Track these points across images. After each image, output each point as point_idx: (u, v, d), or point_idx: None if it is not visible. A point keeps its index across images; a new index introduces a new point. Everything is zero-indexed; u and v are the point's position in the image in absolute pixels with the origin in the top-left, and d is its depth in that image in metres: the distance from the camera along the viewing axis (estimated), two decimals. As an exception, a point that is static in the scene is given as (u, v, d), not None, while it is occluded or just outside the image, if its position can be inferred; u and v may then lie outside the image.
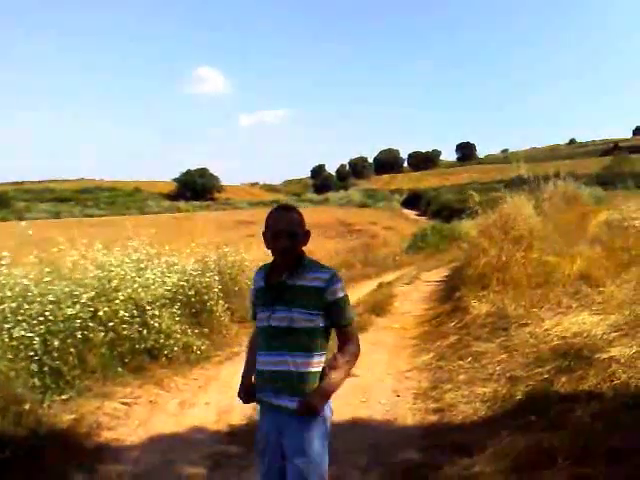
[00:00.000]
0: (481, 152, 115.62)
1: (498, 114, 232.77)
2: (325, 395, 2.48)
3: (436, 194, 58.10)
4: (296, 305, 2.47)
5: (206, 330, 7.21)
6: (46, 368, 5.04)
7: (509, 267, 8.09)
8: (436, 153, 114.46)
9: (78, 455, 4.22)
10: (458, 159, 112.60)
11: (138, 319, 6.21)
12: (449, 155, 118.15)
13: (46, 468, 3.93)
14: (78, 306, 5.59)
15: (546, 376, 4.78)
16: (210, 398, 5.59)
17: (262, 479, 2.61)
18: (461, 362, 5.96)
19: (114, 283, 6.25)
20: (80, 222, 30.49)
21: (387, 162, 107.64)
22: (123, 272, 6.45)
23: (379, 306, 10.01)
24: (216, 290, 7.71)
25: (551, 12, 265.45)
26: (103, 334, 5.77)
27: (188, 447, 4.49)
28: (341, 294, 2.51)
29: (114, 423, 4.87)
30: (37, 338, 5.07)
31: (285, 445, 2.50)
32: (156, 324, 6.31)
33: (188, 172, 77.87)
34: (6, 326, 5.05)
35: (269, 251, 2.61)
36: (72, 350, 5.33)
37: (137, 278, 6.54)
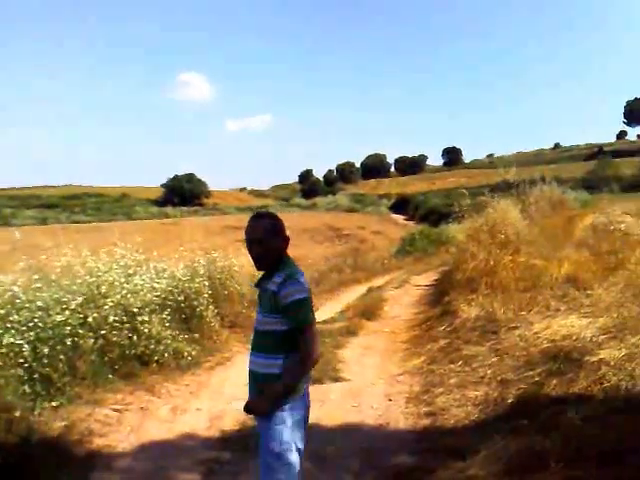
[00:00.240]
0: (467, 157, 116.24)
1: (484, 119, 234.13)
2: (266, 399, 2.55)
3: (424, 199, 58.29)
4: (263, 309, 2.62)
5: (196, 335, 7.18)
6: (36, 375, 5.00)
7: (497, 271, 8.14)
8: (422, 158, 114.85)
9: (69, 462, 4.19)
10: (444, 164, 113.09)
11: (128, 325, 6.17)
12: (435, 160, 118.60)
13: (37, 476, 3.90)
14: (67, 312, 5.54)
15: (537, 379, 4.80)
16: (202, 404, 5.57)
17: None
18: (452, 366, 5.98)
19: (103, 289, 6.21)
20: (67, 228, 30.26)
21: (374, 167, 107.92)
22: (112, 278, 6.42)
23: (369, 310, 10.03)
24: (206, 295, 7.68)
25: (536, 19, 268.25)
26: (93, 340, 5.73)
27: (180, 453, 4.47)
28: (295, 297, 2.52)
29: (105, 430, 4.84)
30: (26, 345, 5.03)
31: None
32: (146, 330, 6.28)
33: (175, 178, 77.60)
34: (-5, 334, 5.01)
35: None
36: (62, 357, 5.28)
37: (126, 284, 6.50)
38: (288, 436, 2.55)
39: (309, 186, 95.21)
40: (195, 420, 5.15)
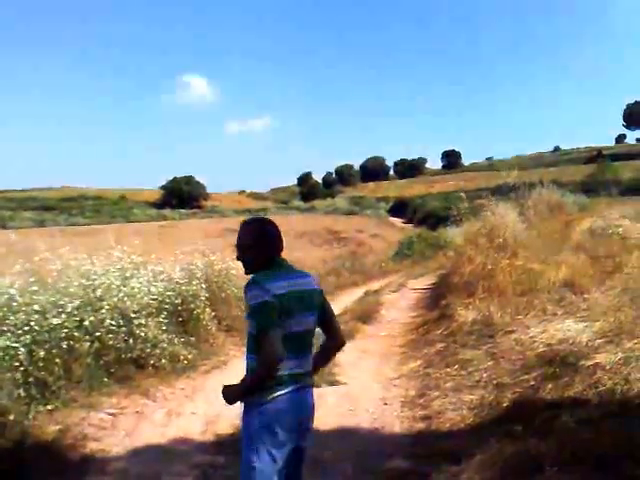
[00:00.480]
0: (466, 160, 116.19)
1: (483, 122, 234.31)
2: (230, 391, 2.64)
3: (422, 202, 58.23)
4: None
5: (193, 339, 7.18)
6: (31, 379, 4.99)
7: (494, 275, 8.15)
8: (422, 161, 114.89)
9: (63, 467, 4.18)
10: (443, 167, 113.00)
11: (124, 328, 6.15)
12: (434, 163, 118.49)
13: (31, 480, 3.90)
14: (64, 316, 5.53)
15: (532, 383, 4.81)
16: (197, 408, 5.56)
17: None
18: (448, 369, 5.98)
19: (99, 292, 6.20)
20: (64, 231, 30.28)
21: (373, 170, 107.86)
22: (108, 281, 6.41)
23: (366, 314, 10.03)
24: (203, 298, 7.68)
25: (536, 22, 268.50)
26: (89, 344, 5.72)
27: (174, 457, 4.46)
28: (251, 302, 2.55)
29: (100, 434, 4.83)
30: (22, 348, 5.01)
31: None
32: (142, 333, 6.27)
33: (174, 180, 77.51)
34: (-9, 336, 5.00)
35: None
36: (58, 360, 5.27)
37: (122, 287, 6.49)
38: (255, 438, 2.55)
39: (308, 189, 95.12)
40: (190, 424, 5.14)
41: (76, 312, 5.75)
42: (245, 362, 2.67)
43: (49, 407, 4.92)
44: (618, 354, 4.66)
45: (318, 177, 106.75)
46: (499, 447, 3.80)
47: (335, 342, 2.84)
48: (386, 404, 5.51)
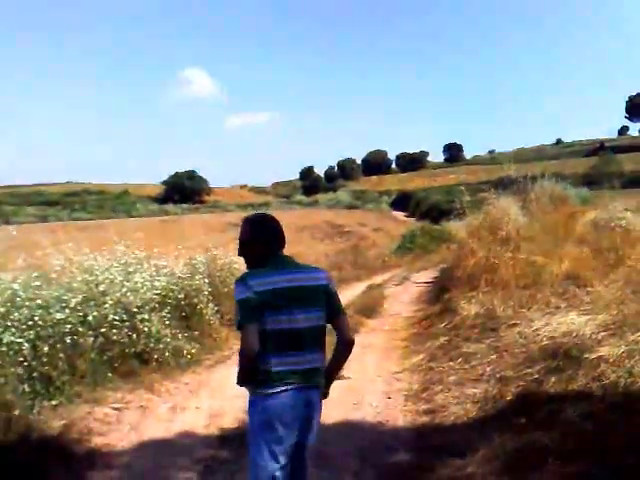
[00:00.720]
0: (468, 153, 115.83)
1: (485, 115, 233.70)
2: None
3: (424, 195, 58.20)
4: None
5: (196, 333, 7.20)
6: (35, 374, 5.01)
7: (497, 268, 8.14)
8: (424, 154, 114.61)
9: (69, 461, 4.19)
10: (445, 160, 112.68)
11: (128, 323, 6.17)
12: (436, 156, 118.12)
13: (36, 475, 3.91)
14: (67, 311, 5.56)
15: (536, 376, 4.80)
16: (201, 402, 5.57)
17: None
18: (451, 363, 5.99)
19: (102, 287, 6.22)
20: (67, 226, 30.32)
21: (375, 163, 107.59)
22: (111, 276, 6.43)
23: (369, 308, 10.05)
24: (206, 293, 7.70)
25: (537, 15, 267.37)
26: (93, 339, 5.74)
27: (179, 452, 4.47)
28: (236, 298, 2.63)
29: (105, 428, 4.85)
30: (26, 344, 5.04)
31: None
32: (146, 328, 6.29)
33: (176, 175, 77.47)
34: (-5, 332, 5.01)
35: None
36: (61, 355, 5.30)
37: (126, 282, 6.51)
38: (256, 434, 2.59)
39: (310, 183, 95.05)
40: (194, 418, 5.15)
41: (80, 307, 5.78)
42: None
43: (53, 402, 4.94)
44: (621, 347, 4.65)
45: (320, 171, 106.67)
46: (502, 440, 3.82)
47: (339, 342, 2.80)
48: (390, 398, 5.52)
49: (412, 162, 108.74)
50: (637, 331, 4.88)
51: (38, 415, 4.66)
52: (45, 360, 5.14)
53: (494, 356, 5.70)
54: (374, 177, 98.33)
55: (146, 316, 6.38)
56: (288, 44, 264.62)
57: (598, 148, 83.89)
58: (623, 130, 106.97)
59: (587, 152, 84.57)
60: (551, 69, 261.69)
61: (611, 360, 4.50)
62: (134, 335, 6.18)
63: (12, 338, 5.00)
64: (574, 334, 5.32)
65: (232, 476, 3.99)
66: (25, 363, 4.98)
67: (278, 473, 2.60)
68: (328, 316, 2.73)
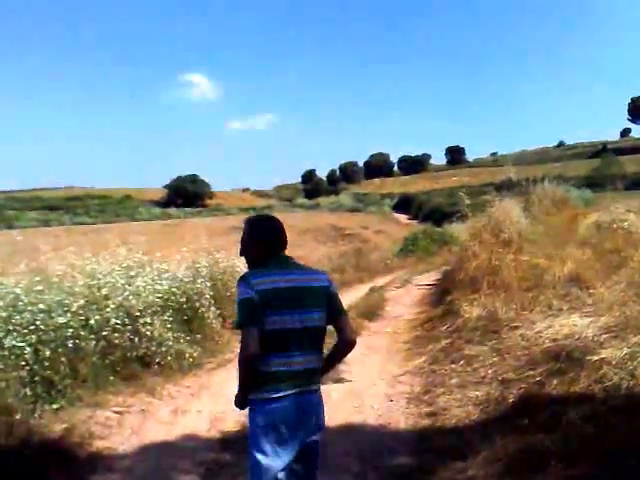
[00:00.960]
0: (470, 155, 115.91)
1: (487, 117, 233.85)
2: (235, 399, 2.75)
3: (427, 198, 58.26)
4: None
5: (198, 337, 7.19)
6: (37, 378, 5.01)
7: (500, 270, 8.12)
8: (426, 157, 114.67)
9: (70, 465, 4.20)
10: (448, 163, 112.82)
11: (129, 327, 6.17)
12: (439, 159, 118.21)
13: (38, 479, 3.91)
14: (69, 315, 5.55)
15: (538, 378, 4.79)
16: (203, 405, 5.57)
17: None
18: (453, 365, 5.98)
19: (104, 291, 6.22)
20: (69, 230, 30.35)
21: (377, 166, 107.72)
22: (113, 280, 6.43)
23: (371, 310, 10.04)
24: (208, 296, 7.69)
25: (539, 17, 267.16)
26: (94, 343, 5.74)
27: (180, 455, 4.47)
28: (237, 298, 2.63)
29: (106, 432, 4.85)
30: (28, 348, 5.03)
31: None
32: (148, 332, 6.29)
33: (179, 178, 77.62)
34: (-3, 336, 5.02)
35: None
36: (63, 359, 5.29)
37: (127, 286, 6.51)
38: (260, 436, 2.56)
39: (312, 186, 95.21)
40: (196, 422, 5.15)
41: (81, 311, 5.78)
42: None
43: (55, 406, 4.94)
44: (624, 349, 4.63)
45: (322, 174, 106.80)
46: (504, 443, 3.81)
47: (339, 341, 2.80)
48: (391, 401, 5.51)
49: (414, 165, 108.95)
50: (639, 333, 4.86)
51: (39, 419, 4.66)
52: (47, 364, 5.13)
53: (496, 358, 5.69)
54: (376, 180, 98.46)
55: (148, 320, 6.37)
56: (289, 47, 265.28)
57: (600, 150, 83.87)
58: (626, 132, 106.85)
59: (589, 154, 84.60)
60: (553, 71, 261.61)
61: (613, 362, 4.48)
62: (136, 339, 6.18)
63: (14, 342, 5.00)
64: (576, 336, 5.31)
65: (234, 479, 3.98)
66: (27, 367, 4.97)
67: (281, 475, 2.59)
68: (329, 317, 2.72)
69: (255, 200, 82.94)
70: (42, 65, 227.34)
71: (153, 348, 6.29)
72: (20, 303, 5.40)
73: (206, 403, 5.64)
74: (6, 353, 4.93)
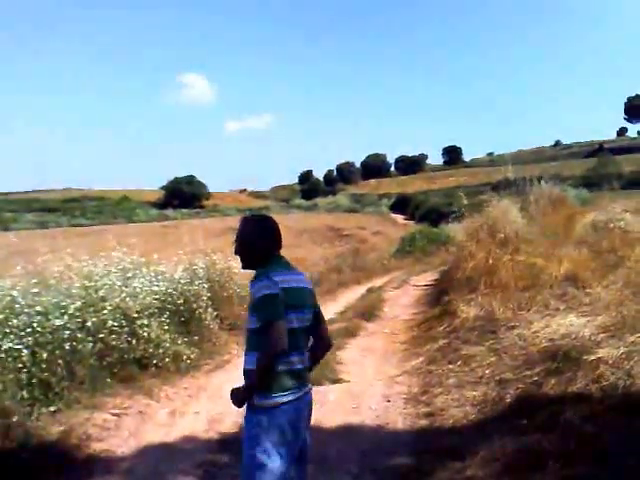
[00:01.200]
0: (467, 155, 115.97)
1: (483, 117, 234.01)
2: (237, 393, 2.65)
3: (423, 198, 58.17)
4: (249, 308, 2.71)
5: (195, 338, 7.17)
6: (34, 380, 4.99)
7: (496, 270, 8.12)
8: (423, 157, 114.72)
9: (68, 468, 4.19)
10: (444, 163, 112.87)
11: (127, 329, 6.16)
12: (435, 159, 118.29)
13: (35, 481, 3.91)
14: (66, 317, 5.54)
15: (535, 378, 4.80)
16: (200, 407, 5.57)
17: None
18: (451, 366, 5.98)
19: (101, 293, 6.21)
20: (67, 232, 30.32)
21: (374, 166, 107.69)
22: (110, 282, 6.42)
23: (369, 311, 10.05)
24: (205, 298, 7.68)
25: (535, 16, 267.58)
26: (91, 345, 5.73)
27: (179, 457, 4.46)
28: (258, 294, 2.58)
29: (104, 434, 4.84)
30: (25, 350, 5.03)
31: None
32: (145, 333, 6.28)
33: (175, 180, 77.56)
34: (-6, 339, 5.01)
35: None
36: (60, 361, 5.28)
37: (125, 288, 6.51)
38: (264, 438, 2.54)
39: (309, 187, 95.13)
40: (193, 423, 5.15)
41: (78, 313, 5.77)
42: (245, 361, 2.68)
43: (52, 408, 4.92)
44: (621, 348, 4.64)
45: (319, 175, 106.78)
46: (502, 443, 3.81)
47: (324, 343, 2.88)
48: (389, 401, 5.51)
49: (411, 165, 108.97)
50: (636, 332, 4.87)
51: (37, 421, 4.65)
52: (44, 366, 5.12)
53: (493, 358, 5.69)
54: (373, 180, 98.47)
55: (145, 321, 6.37)
56: (286, 48, 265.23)
57: (597, 149, 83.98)
58: (622, 131, 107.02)
59: (586, 154, 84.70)
60: (550, 71, 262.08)
61: (610, 362, 4.49)
62: (133, 340, 6.17)
63: (11, 344, 4.99)
64: (573, 336, 5.32)
65: (232, 480, 3.98)
66: (24, 369, 4.97)
67: (287, 475, 2.61)
68: (314, 318, 2.78)
69: (252, 201, 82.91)
70: (39, 66, 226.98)
71: (150, 350, 6.28)
72: (17, 305, 5.40)
73: (204, 404, 5.63)
74: (3, 356, 4.93)
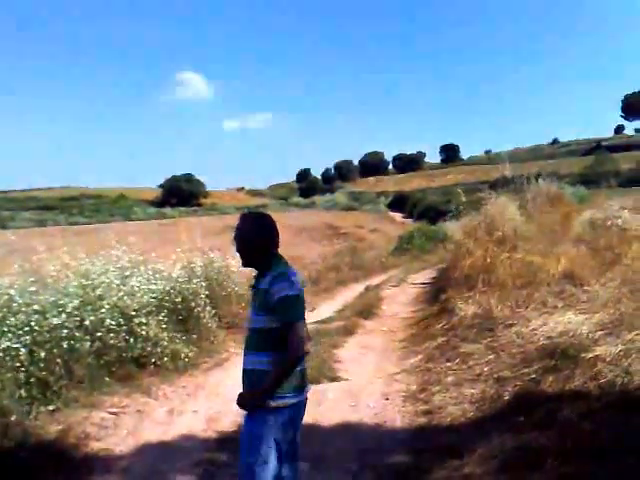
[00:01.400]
0: (465, 153, 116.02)
1: (481, 115, 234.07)
2: (253, 396, 2.61)
3: (421, 196, 58.18)
4: (256, 307, 2.68)
5: (193, 337, 7.17)
6: (32, 379, 4.99)
7: (494, 268, 8.12)
8: (420, 155, 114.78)
9: (66, 466, 4.19)
10: (442, 161, 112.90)
11: (124, 327, 6.15)
12: (433, 157, 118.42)
13: (34, 480, 3.90)
14: (64, 315, 5.54)
15: (533, 376, 4.80)
16: (199, 405, 5.57)
17: None
18: (449, 364, 5.98)
19: (99, 291, 6.20)
20: (65, 230, 30.25)
21: (372, 165, 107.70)
22: (108, 280, 6.41)
23: (367, 309, 10.04)
24: (203, 296, 7.67)
25: (532, 15, 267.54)
26: (89, 343, 5.72)
27: (177, 455, 4.46)
28: (282, 293, 2.57)
29: (102, 433, 4.83)
30: (23, 349, 5.02)
31: None
32: (143, 332, 6.27)
33: (173, 178, 77.51)
34: (-8, 337, 5.00)
35: None
36: (58, 360, 5.28)
37: (122, 286, 6.49)
38: (269, 436, 2.57)
39: (307, 185, 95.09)
40: (192, 422, 5.14)
41: (76, 312, 5.76)
42: (248, 361, 2.68)
43: (51, 407, 4.92)
44: (618, 346, 4.66)
45: (317, 173, 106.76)
46: (500, 441, 3.82)
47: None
48: (387, 399, 5.51)
49: (409, 163, 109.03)
50: (634, 330, 4.89)
51: (35, 420, 4.65)
52: (42, 365, 5.12)
53: (491, 356, 5.70)
54: (371, 178, 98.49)
55: (143, 320, 6.35)
56: (284, 46, 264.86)
57: (594, 147, 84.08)
58: (619, 129, 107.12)
59: (583, 151, 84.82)
60: (547, 69, 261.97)
61: (608, 359, 4.51)
62: (131, 339, 6.16)
63: (9, 343, 4.99)
64: (571, 333, 5.33)
65: (231, 479, 3.98)
66: (22, 368, 4.96)
67: (285, 472, 2.68)
68: None
69: (250, 199, 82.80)
70: (37, 65, 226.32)
71: (148, 348, 6.27)
72: (14, 304, 5.39)
73: (202, 403, 5.63)
74: (1, 354, 4.93)
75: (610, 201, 13.14)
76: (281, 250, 2.82)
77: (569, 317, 5.85)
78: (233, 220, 3.18)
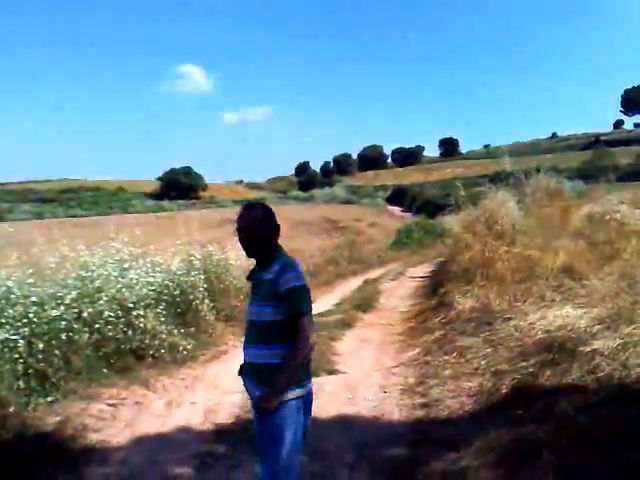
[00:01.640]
0: (464, 147, 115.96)
1: (480, 109, 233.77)
2: (272, 397, 2.55)
3: (420, 190, 58.15)
4: (260, 298, 2.63)
5: (192, 329, 7.18)
6: (31, 370, 5.01)
7: (493, 262, 8.13)
8: (419, 149, 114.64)
9: (64, 457, 4.19)
10: (441, 154, 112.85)
11: (123, 319, 6.16)
12: (432, 151, 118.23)
13: (32, 472, 3.90)
14: (62, 307, 5.55)
15: (531, 369, 4.80)
16: (196, 398, 5.57)
17: None
18: (447, 357, 6.00)
19: (97, 283, 6.20)
20: (63, 223, 30.22)
21: (371, 158, 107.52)
22: (106, 272, 6.41)
23: (365, 303, 10.06)
24: (201, 289, 7.68)
25: (532, 8, 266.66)
26: (88, 335, 5.74)
27: (175, 447, 4.46)
28: (290, 284, 2.55)
29: (100, 425, 4.84)
30: (21, 340, 5.03)
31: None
32: (141, 324, 6.28)
33: (172, 171, 77.37)
34: (-10, 329, 5.00)
35: None
36: (57, 352, 5.29)
37: (121, 278, 6.50)
38: (290, 421, 2.58)
39: (306, 178, 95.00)
40: (190, 414, 5.14)
41: (74, 304, 5.77)
42: (253, 355, 2.67)
43: (49, 399, 4.94)
44: (616, 340, 4.65)
45: (316, 166, 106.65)
46: (497, 434, 3.82)
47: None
48: (385, 392, 5.53)
49: (408, 157, 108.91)
50: (632, 324, 4.88)
51: (33, 412, 4.65)
52: (40, 357, 5.13)
53: (489, 350, 5.70)
54: (370, 172, 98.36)
55: (141, 312, 6.36)
56: (283, 39, 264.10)
57: (593, 142, 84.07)
58: (618, 124, 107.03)
59: (582, 146, 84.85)
60: (546, 63, 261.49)
61: (606, 353, 4.50)
62: (129, 331, 6.17)
63: (7, 335, 5.00)
64: (569, 327, 5.32)
65: (228, 471, 4.00)
66: (20, 360, 4.97)
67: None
68: None
69: (248, 192, 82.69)
70: (34, 57, 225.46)
71: (147, 340, 6.28)
72: (13, 296, 5.40)
73: (200, 395, 5.64)
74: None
75: (609, 195, 13.12)
76: (280, 243, 2.81)
77: (567, 311, 5.84)
78: (232, 213, 3.17)
